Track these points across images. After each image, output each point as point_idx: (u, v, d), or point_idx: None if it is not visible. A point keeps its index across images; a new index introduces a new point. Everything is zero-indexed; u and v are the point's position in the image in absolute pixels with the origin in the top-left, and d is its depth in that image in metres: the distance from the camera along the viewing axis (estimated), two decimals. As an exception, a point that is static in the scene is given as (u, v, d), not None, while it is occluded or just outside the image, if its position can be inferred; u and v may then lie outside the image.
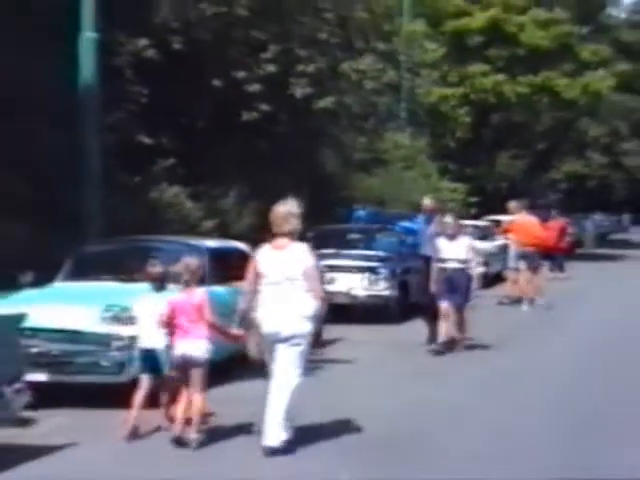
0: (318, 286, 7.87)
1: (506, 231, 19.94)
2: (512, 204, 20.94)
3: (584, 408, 9.46)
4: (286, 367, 7.68)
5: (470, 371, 11.60)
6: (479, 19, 35.91)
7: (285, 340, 7.68)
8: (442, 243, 13.07)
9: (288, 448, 7.56)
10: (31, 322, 8.03)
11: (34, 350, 8.76)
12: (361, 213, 20.89)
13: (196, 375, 7.87)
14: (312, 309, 7.71)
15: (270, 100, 18.21)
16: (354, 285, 15.77)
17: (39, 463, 7.26)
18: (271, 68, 18.29)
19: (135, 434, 8.06)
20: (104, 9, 13.94)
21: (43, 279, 10.48)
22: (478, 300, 12.92)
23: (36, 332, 8.80)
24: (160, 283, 8.45)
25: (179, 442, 7.72)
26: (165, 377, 8.28)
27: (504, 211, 22.37)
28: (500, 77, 35.29)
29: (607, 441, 8.10)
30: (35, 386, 7.86)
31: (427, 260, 13.54)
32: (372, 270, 15.81)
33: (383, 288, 15.74)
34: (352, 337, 13.93)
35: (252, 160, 18.92)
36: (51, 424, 8.45)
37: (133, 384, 8.46)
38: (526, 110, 37.89)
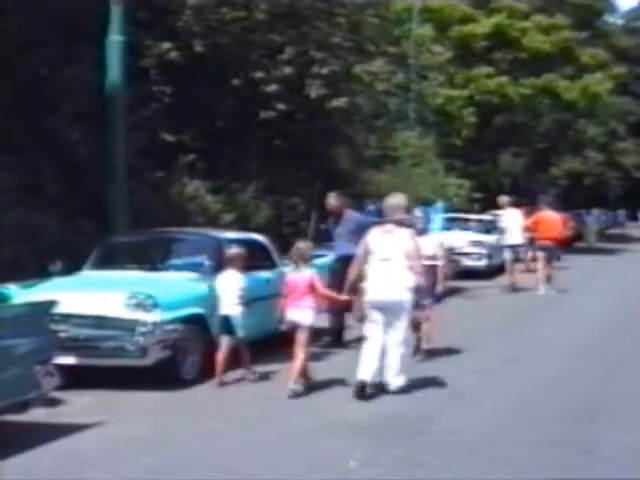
0: (418, 264, 8.94)
1: (533, 225, 19.36)
2: (503, 199, 20.88)
3: (583, 389, 9.43)
4: (394, 327, 8.78)
5: (473, 355, 11.53)
6: (484, 25, 35.88)
7: (391, 306, 8.76)
8: None
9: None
10: (61, 308, 8.03)
11: (63, 335, 8.75)
12: (372, 207, 20.86)
13: (301, 337, 8.87)
14: (412, 282, 8.81)
15: (287, 100, 18.17)
16: None
17: (68, 440, 7.26)
18: (288, 70, 18.23)
19: (222, 383, 9.24)
20: (131, 14, 13.96)
21: (72, 268, 10.50)
22: (482, 290, 12.73)
23: (65, 318, 8.80)
24: (237, 263, 9.48)
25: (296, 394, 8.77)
26: (239, 338, 9.31)
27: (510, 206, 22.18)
28: (503, 80, 35.20)
29: (608, 423, 8.08)
30: (64, 368, 7.87)
31: (342, 260, 11.10)
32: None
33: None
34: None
35: (269, 156, 18.89)
36: (79, 404, 8.46)
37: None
38: (528, 111, 37.82)
